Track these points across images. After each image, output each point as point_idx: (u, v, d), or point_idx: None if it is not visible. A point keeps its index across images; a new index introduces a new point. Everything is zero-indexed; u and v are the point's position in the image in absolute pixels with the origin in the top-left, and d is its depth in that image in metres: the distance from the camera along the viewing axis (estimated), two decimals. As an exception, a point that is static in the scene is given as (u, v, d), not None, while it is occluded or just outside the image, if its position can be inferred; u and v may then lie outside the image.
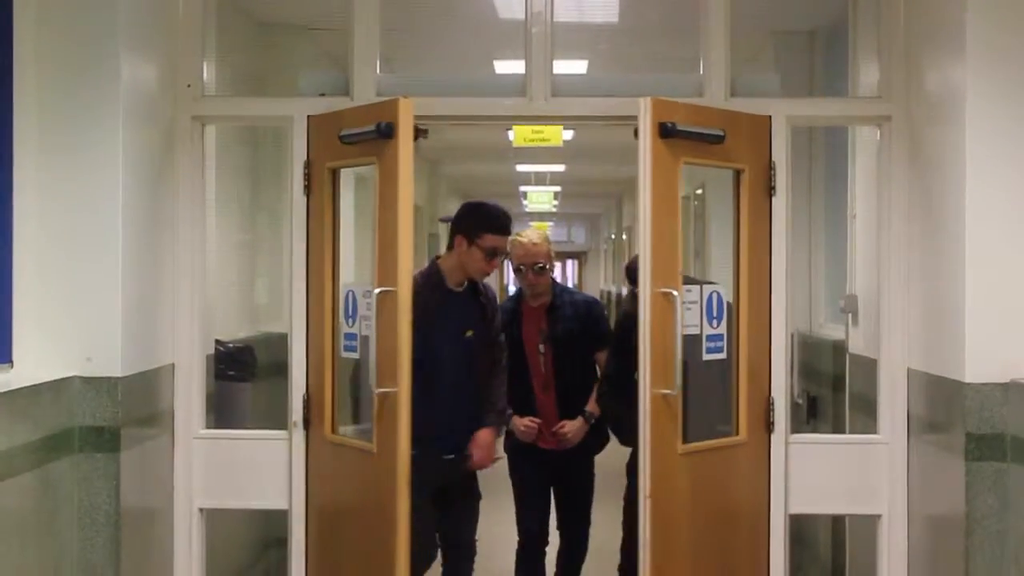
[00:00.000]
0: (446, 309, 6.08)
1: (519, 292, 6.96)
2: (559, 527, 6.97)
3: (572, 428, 6.73)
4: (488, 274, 6.13)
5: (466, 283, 6.20)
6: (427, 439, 5.72)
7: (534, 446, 6.76)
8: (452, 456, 6.12)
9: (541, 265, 6.75)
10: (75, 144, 5.23)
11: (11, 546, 4.60)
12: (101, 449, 5.19)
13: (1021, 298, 5.13)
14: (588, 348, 6.83)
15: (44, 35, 5.18)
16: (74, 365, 5.17)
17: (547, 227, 35.67)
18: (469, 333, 6.12)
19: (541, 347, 6.77)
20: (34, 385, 4.85)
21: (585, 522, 6.96)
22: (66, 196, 5.20)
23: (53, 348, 5.13)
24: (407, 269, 5.36)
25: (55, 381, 5.02)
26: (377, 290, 5.46)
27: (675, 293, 5.46)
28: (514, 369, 6.57)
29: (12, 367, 4.89)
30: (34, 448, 4.78)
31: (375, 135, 5.47)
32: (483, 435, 6.16)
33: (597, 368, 6.88)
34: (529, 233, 6.82)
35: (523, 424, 6.69)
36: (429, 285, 6.05)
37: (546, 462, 6.81)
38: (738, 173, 5.86)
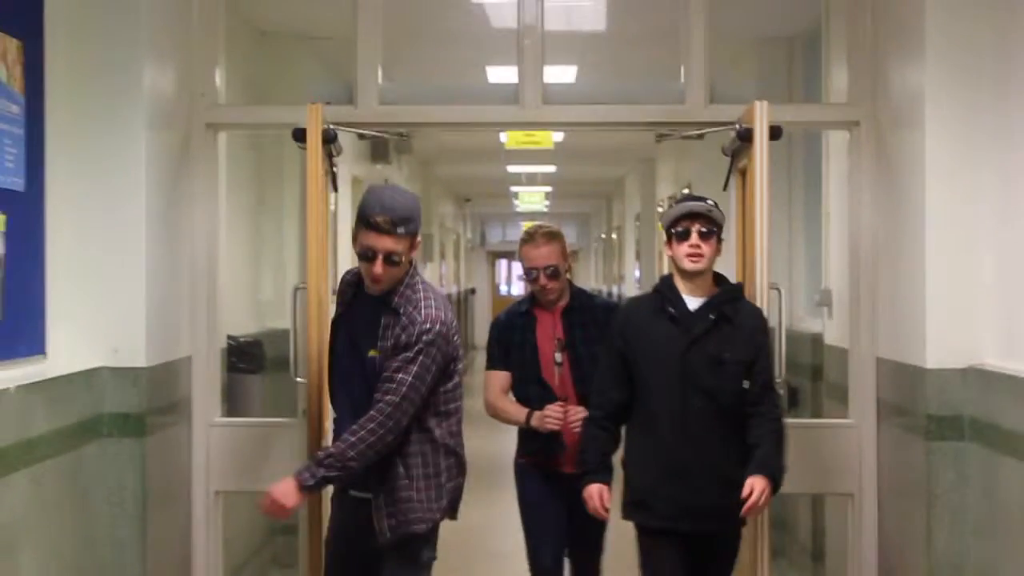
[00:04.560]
0: (351, 315, 4.93)
1: (531, 296, 6.02)
2: (569, 555, 6.06)
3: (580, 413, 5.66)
4: (375, 281, 4.73)
5: (388, 292, 4.79)
6: None
7: (547, 469, 5.91)
8: (361, 494, 4.84)
9: (554, 268, 5.87)
10: (101, 147, 5.53)
11: (50, 522, 4.96)
12: (127, 434, 5.51)
13: (977, 289, 5.49)
14: None
15: (73, 42, 5.44)
16: (102, 356, 5.49)
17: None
18: (373, 353, 4.75)
19: (558, 356, 5.89)
20: (67, 375, 5.19)
21: (598, 550, 6.04)
22: (94, 197, 5.50)
23: (82, 340, 5.43)
24: (316, 267, 5.67)
25: (85, 371, 5.36)
26: (295, 288, 6.19)
27: (780, 289, 5.93)
28: (531, 381, 5.90)
29: (46, 358, 5.16)
30: (68, 433, 5.14)
31: (296, 140, 6.02)
32: (276, 485, 4.70)
33: None
34: (538, 232, 5.96)
35: (549, 411, 5.74)
36: (352, 281, 5.02)
37: (560, 486, 5.86)
38: (742, 172, 6.20)
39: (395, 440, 4.68)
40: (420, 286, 4.81)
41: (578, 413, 5.67)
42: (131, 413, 5.54)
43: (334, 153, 6.30)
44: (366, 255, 4.69)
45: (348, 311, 4.94)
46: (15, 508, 4.66)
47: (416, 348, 4.66)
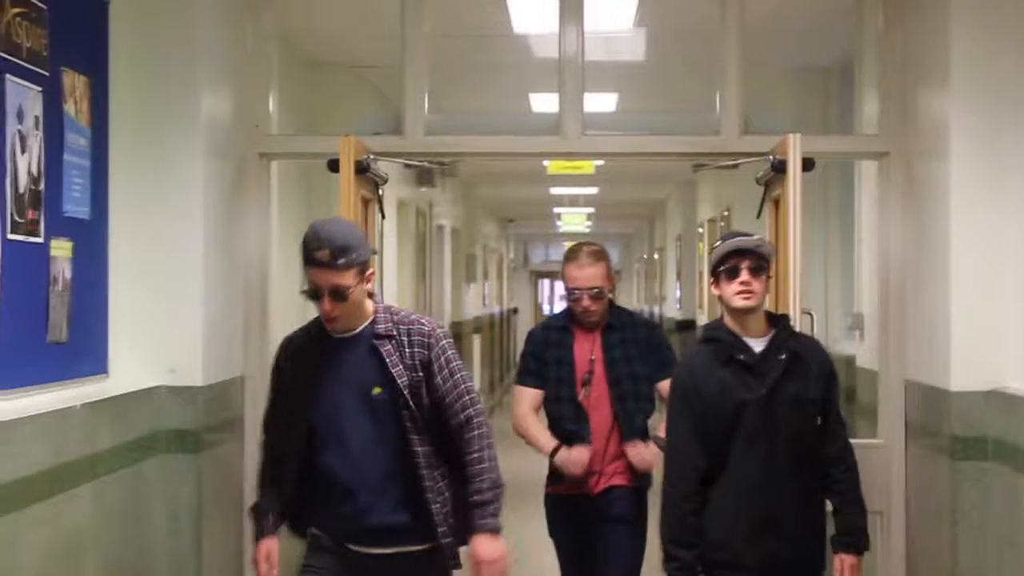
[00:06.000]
0: (325, 365, 4.57)
1: (568, 311, 5.89)
2: None
3: (641, 452, 5.75)
4: (329, 319, 4.48)
5: (363, 326, 4.56)
6: (336, 530, 4.71)
7: (571, 499, 5.83)
8: (385, 551, 4.63)
9: (598, 289, 5.76)
10: (161, 176, 5.77)
11: (111, 534, 5.21)
12: (184, 450, 5.74)
13: (1001, 314, 5.68)
14: (649, 378, 5.85)
15: (135, 76, 5.68)
16: (161, 375, 5.73)
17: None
18: (377, 390, 4.49)
19: (588, 375, 5.75)
20: (128, 393, 5.43)
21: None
22: (154, 224, 5.73)
23: (143, 360, 5.67)
24: None
25: (145, 390, 5.61)
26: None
27: (813, 314, 6.11)
28: (565, 400, 5.79)
29: (108, 377, 5.40)
30: (129, 448, 5.39)
31: (331, 170, 6.29)
32: (482, 549, 4.51)
33: (657, 399, 5.90)
34: (582, 251, 5.82)
35: (576, 454, 5.66)
36: (305, 338, 4.70)
37: (586, 516, 5.83)
38: (775, 202, 6.44)
39: None
40: (392, 307, 4.64)
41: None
42: (188, 430, 5.77)
43: (379, 181, 6.53)
44: (313, 293, 4.44)
45: (321, 365, 4.58)
46: (80, 520, 4.90)
47: (444, 356, 4.53)
